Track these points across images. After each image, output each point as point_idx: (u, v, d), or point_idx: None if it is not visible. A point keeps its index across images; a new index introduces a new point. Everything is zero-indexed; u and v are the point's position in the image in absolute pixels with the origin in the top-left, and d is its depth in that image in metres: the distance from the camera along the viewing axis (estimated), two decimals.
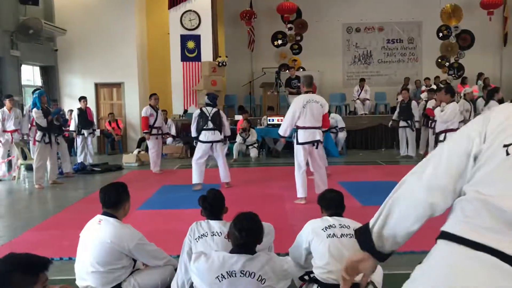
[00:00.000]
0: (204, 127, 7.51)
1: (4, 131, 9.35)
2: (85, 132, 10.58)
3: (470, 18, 16.21)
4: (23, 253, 2.22)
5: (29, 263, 2.14)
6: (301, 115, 6.39)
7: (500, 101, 10.00)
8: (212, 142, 7.55)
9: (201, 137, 7.59)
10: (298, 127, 6.46)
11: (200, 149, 7.64)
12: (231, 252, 2.78)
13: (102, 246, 3.21)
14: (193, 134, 7.74)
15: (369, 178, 8.76)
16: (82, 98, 10.71)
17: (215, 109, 7.59)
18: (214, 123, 7.51)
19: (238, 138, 11.51)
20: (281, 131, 6.67)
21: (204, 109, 7.63)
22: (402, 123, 11.19)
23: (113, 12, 13.45)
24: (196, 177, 7.64)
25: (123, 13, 13.45)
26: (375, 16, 16.75)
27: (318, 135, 6.55)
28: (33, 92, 9.83)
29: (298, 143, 6.48)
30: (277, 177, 9.00)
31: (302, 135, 6.45)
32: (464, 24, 16.53)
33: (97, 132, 13.16)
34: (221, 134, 7.57)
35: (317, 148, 6.57)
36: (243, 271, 2.67)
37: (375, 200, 6.87)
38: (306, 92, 6.58)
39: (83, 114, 10.61)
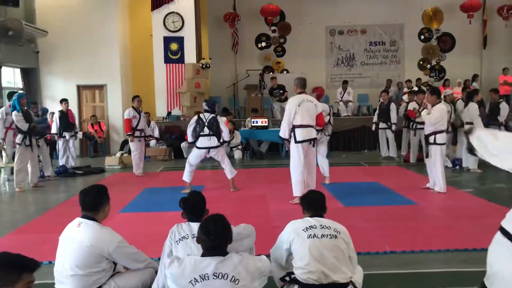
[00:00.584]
0: (201, 133, 7.57)
1: None
2: (66, 134, 10.43)
3: (451, 21, 16.44)
4: (14, 253, 2.20)
5: (13, 262, 2.13)
6: (296, 114, 6.49)
7: (480, 103, 10.17)
8: (208, 148, 7.59)
9: (198, 143, 7.65)
10: (294, 126, 6.53)
11: (195, 154, 7.71)
12: (203, 255, 2.78)
13: (82, 249, 3.18)
14: (190, 139, 7.77)
15: (351, 179, 8.82)
16: (64, 100, 10.58)
17: (212, 115, 7.63)
18: (211, 129, 7.55)
19: None
20: (281, 134, 6.69)
21: (201, 115, 7.69)
22: (381, 125, 11.28)
23: (96, 13, 13.34)
24: (186, 176, 7.71)
25: (105, 15, 13.35)
26: (357, 19, 16.90)
27: (314, 133, 6.69)
28: (9, 95, 9.69)
29: (296, 142, 6.53)
30: (261, 178, 9.03)
31: (299, 134, 6.52)
32: (445, 27, 16.75)
33: (80, 135, 13.04)
34: (219, 140, 7.61)
35: (313, 146, 6.69)
36: (216, 273, 2.67)
37: (357, 201, 7.02)
38: (300, 93, 6.69)
39: (65, 116, 10.47)
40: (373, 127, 11.57)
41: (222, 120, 7.79)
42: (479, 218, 5.76)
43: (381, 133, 11.39)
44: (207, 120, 7.57)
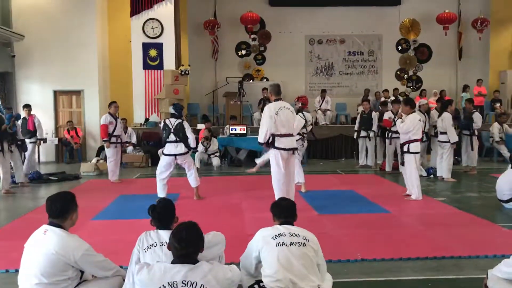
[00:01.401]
0: (167, 140, 7.32)
1: None
2: (26, 141, 9.96)
3: (428, 32, 16.77)
4: None
5: None
6: (275, 122, 6.19)
7: (456, 113, 10.38)
8: (175, 155, 7.34)
9: (165, 150, 7.43)
10: (273, 135, 6.24)
11: (162, 162, 7.45)
12: (173, 262, 2.76)
13: (47, 257, 3.11)
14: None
15: (327, 187, 8.87)
16: (25, 107, 10.31)
17: (178, 121, 7.35)
18: (177, 135, 7.28)
19: (200, 147, 11.45)
20: (260, 139, 6.31)
21: (167, 120, 7.41)
22: (363, 133, 11.40)
23: (74, 18, 13.23)
24: (160, 192, 7.42)
25: (84, 20, 13.25)
26: (337, 28, 17.07)
27: (295, 143, 6.47)
28: None
29: (275, 148, 6.25)
30: (238, 187, 9.01)
31: (278, 141, 6.24)
32: (422, 38, 17.08)
33: (55, 141, 12.87)
34: (186, 146, 7.36)
35: (293, 153, 6.40)
36: (185, 281, 2.65)
37: (331, 209, 7.05)
38: (276, 100, 6.42)
39: (25, 123, 10.24)
40: (355, 135, 11.66)
41: (188, 126, 7.47)
42: (450, 226, 5.85)
43: (362, 141, 11.49)
44: (173, 126, 7.31)
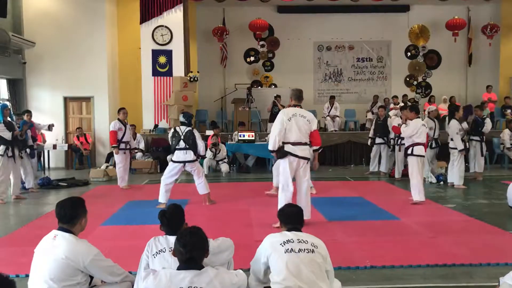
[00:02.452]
0: (177, 147, 7.41)
1: None
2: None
3: (437, 38, 16.72)
4: None
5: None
6: (286, 129, 5.97)
7: (464, 119, 10.30)
8: (184, 162, 7.41)
9: (174, 157, 7.50)
10: (284, 142, 6.01)
11: (170, 168, 7.51)
12: (178, 268, 2.76)
13: (57, 262, 3.13)
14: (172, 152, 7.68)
15: (336, 193, 8.84)
16: (26, 112, 10.16)
17: (188, 128, 7.44)
18: (187, 143, 7.37)
19: (208, 153, 11.48)
20: (270, 146, 6.09)
21: (177, 128, 7.52)
22: (378, 140, 11.33)
23: (84, 25, 13.36)
24: (162, 197, 7.46)
25: (94, 27, 13.37)
26: (345, 35, 17.08)
27: (307, 152, 6.12)
28: None
29: (285, 153, 6.00)
30: (246, 193, 8.99)
31: (288, 147, 5.99)
32: (431, 44, 17.03)
33: (65, 147, 12.95)
34: (195, 153, 7.43)
35: (307, 163, 6.15)
36: (191, 287, 2.65)
37: (340, 216, 7.01)
38: (294, 106, 6.18)
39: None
40: (369, 142, 11.61)
41: (198, 134, 7.56)
42: (460, 234, 5.80)
43: (376, 148, 11.42)
44: (183, 134, 7.40)
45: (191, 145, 7.37)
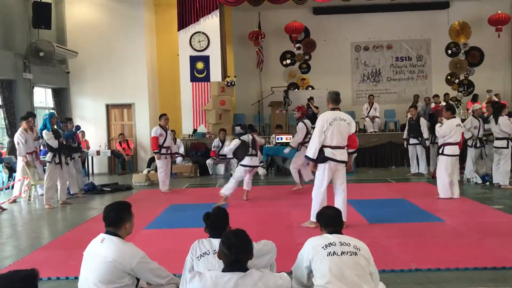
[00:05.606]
0: (248, 153, 8.27)
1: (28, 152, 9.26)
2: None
3: (479, 35, 16.24)
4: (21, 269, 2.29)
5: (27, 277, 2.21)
6: (327, 132, 5.91)
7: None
8: (252, 166, 8.36)
9: (245, 161, 8.28)
10: (323, 146, 5.96)
11: (240, 171, 8.30)
12: (223, 270, 2.78)
13: (105, 264, 3.22)
14: (227, 155, 9.44)
15: (377, 195, 8.71)
16: (68, 120, 10.23)
17: (251, 137, 8.39)
18: (254, 149, 8.35)
19: None
20: (309, 153, 6.03)
21: (243, 138, 8.38)
22: (412, 141, 11.16)
23: (123, 34, 13.71)
24: (228, 189, 8.11)
25: (133, 35, 13.70)
26: (383, 34, 16.83)
27: (345, 156, 6.06)
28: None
29: (324, 158, 5.96)
30: (285, 195, 9.00)
31: (328, 151, 5.94)
32: (472, 41, 16.55)
33: (108, 153, 13.33)
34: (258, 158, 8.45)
35: (345, 166, 6.11)
36: None
37: (382, 218, 6.90)
38: (333, 109, 6.13)
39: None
40: (405, 144, 11.45)
41: (260, 141, 8.78)
42: (508, 235, 5.60)
43: (412, 149, 11.23)
44: (250, 141, 8.34)
45: (257, 151, 8.45)
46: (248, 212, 7.52)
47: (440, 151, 7.98)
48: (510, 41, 16.52)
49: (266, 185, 10.84)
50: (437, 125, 8.12)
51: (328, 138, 5.94)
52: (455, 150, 7.87)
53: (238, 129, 8.80)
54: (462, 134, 8.11)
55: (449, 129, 7.82)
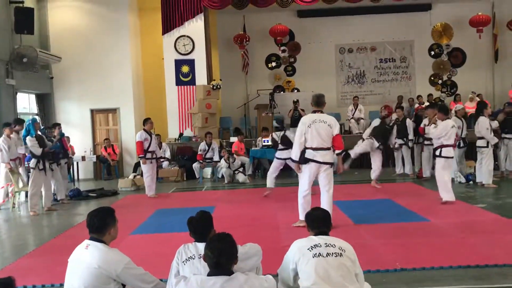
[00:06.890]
0: (279, 148, 9.11)
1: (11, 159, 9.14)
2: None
3: (461, 36, 16.45)
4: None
5: (3, 285, 2.18)
6: (306, 134, 6.07)
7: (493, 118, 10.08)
8: (285, 159, 8.89)
9: (278, 154, 9.12)
10: (306, 148, 6.11)
11: (275, 164, 9.19)
12: (209, 274, 2.79)
13: (90, 271, 3.21)
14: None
15: (363, 196, 8.77)
16: (56, 125, 10.12)
17: (282, 133, 9.25)
18: (283, 144, 9.05)
19: (223, 163, 11.51)
20: (292, 155, 6.35)
21: (274, 134, 9.59)
22: (398, 141, 11.21)
23: (108, 38, 13.62)
24: (270, 183, 9.04)
25: (117, 39, 13.62)
26: (367, 36, 16.98)
27: (328, 157, 6.14)
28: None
29: (304, 161, 6.11)
30: (271, 198, 9.00)
31: (308, 153, 6.08)
32: (455, 42, 16.77)
33: (93, 158, 13.22)
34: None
35: (331, 167, 6.20)
36: None
37: (368, 219, 6.95)
38: (314, 112, 6.27)
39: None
40: (396, 145, 11.48)
41: (291, 134, 8.94)
42: (492, 234, 5.69)
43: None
44: (280, 137, 9.22)
45: (288, 144, 8.69)
46: (234, 214, 7.52)
47: (438, 153, 7.72)
48: (491, 42, 16.79)
49: (252, 188, 10.85)
50: (431, 126, 7.93)
51: (308, 140, 6.08)
52: (452, 151, 7.75)
53: (274, 123, 10.10)
54: (456, 134, 8.10)
55: (444, 131, 7.60)
